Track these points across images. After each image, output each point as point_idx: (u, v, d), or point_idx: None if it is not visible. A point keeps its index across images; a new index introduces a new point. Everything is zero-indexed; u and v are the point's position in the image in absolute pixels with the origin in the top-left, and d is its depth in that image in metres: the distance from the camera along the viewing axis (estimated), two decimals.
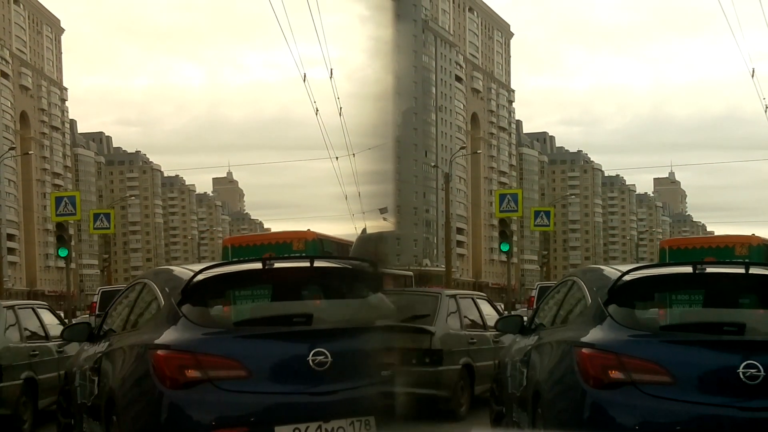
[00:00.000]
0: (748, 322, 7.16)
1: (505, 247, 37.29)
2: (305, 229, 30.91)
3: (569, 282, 8.46)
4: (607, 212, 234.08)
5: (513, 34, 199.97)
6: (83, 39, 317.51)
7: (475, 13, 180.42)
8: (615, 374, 6.76)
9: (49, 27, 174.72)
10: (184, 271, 7.77)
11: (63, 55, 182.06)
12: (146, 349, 7.17)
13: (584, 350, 6.98)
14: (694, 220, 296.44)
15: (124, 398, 7.38)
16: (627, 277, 7.29)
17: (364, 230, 4.78)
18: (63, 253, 37.30)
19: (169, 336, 7.09)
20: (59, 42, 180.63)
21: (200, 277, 7.31)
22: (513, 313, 21.57)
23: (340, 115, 22.57)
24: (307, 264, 7.68)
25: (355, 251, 13.34)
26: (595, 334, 7.07)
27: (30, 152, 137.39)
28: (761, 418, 6.53)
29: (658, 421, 6.61)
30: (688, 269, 7.27)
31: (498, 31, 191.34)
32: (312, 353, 6.87)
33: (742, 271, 7.37)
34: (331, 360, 6.89)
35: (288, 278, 7.67)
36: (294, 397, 6.85)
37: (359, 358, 6.98)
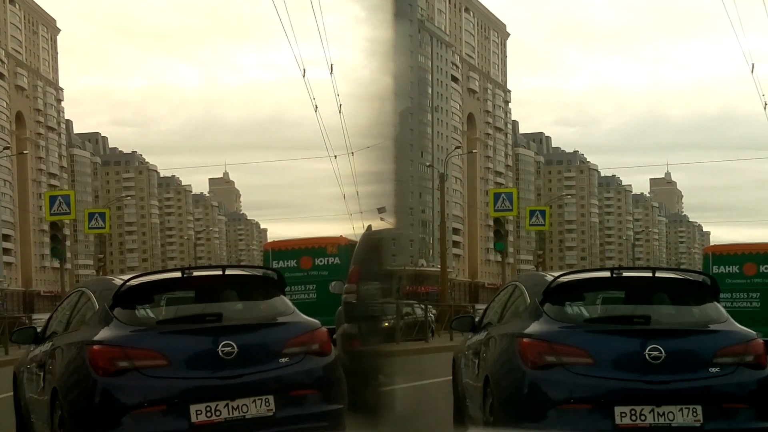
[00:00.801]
0: (652, 314, 8.93)
1: (499, 247, 37.42)
2: (338, 234, 33.34)
3: (512, 286, 10.12)
4: (604, 212, 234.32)
5: (509, 35, 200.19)
6: (79, 39, 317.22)
7: (471, 13, 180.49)
8: (548, 358, 8.43)
9: (45, 27, 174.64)
10: (117, 280, 9.07)
11: (59, 56, 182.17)
12: (83, 345, 8.52)
13: (524, 340, 8.66)
14: (690, 220, 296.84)
15: (65, 387, 8.68)
16: (558, 281, 8.99)
17: (368, 227, 4.81)
18: (56, 253, 37.30)
19: (102, 334, 8.46)
20: (55, 42, 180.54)
21: (129, 284, 8.69)
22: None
23: (339, 112, 22.45)
24: (220, 272, 9.10)
25: (358, 250, 13.54)
26: (532, 327, 8.75)
27: (25, 152, 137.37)
28: (662, 390, 8.24)
29: (583, 395, 8.28)
30: (607, 274, 9.03)
31: (494, 31, 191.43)
32: (221, 345, 8.26)
33: (649, 275, 9.12)
34: (237, 350, 8.26)
35: (203, 284, 9.05)
36: (206, 380, 8.23)
37: (261, 348, 8.45)
